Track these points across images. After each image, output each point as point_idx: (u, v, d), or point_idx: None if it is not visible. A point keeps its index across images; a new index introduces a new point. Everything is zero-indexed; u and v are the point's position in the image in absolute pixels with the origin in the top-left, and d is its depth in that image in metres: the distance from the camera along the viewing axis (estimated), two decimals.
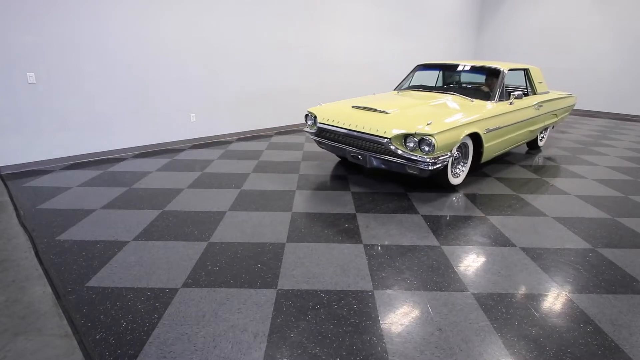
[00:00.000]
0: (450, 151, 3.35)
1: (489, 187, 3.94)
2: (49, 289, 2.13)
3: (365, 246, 2.65)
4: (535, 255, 2.61)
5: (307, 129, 4.18)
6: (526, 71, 4.84)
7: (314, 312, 1.98)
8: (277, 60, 6.16)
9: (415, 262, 2.47)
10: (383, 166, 3.54)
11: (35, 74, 4.05)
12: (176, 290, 2.14)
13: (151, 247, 2.59)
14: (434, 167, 3.19)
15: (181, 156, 4.87)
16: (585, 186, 4.04)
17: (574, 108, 9.44)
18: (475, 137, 3.71)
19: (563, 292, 2.20)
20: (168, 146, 5.30)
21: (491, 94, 4.14)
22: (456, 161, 3.79)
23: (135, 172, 4.17)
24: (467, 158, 3.86)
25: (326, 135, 3.95)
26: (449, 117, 3.43)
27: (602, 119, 8.76)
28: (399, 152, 3.27)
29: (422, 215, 3.20)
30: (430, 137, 3.11)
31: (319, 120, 3.96)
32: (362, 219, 3.08)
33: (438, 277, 2.32)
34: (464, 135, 3.40)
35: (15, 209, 3.18)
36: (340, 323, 1.90)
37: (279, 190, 3.69)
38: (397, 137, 3.28)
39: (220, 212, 3.17)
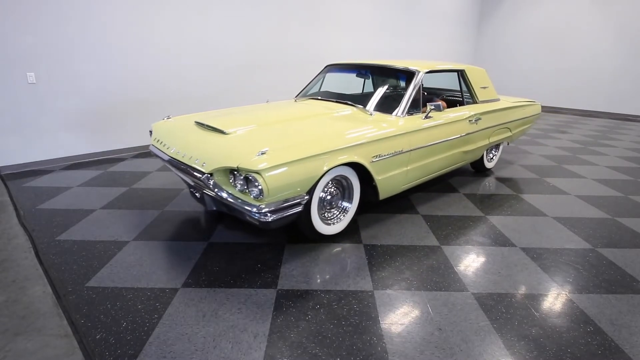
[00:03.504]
0: (311, 192, 2.40)
1: (489, 187, 3.94)
2: (49, 289, 2.13)
3: (365, 246, 2.65)
4: (535, 255, 2.61)
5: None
6: (461, 73, 3.69)
7: (314, 312, 1.98)
8: (276, 60, 6.16)
9: (415, 262, 2.47)
10: (224, 209, 2.50)
11: (35, 74, 4.05)
12: (176, 290, 2.14)
13: (151, 247, 2.59)
14: (275, 216, 2.16)
15: None
16: (585, 186, 4.04)
17: (572, 108, 9.47)
18: (361, 168, 2.65)
19: (563, 292, 2.20)
20: None
21: (400, 106, 3.04)
22: (332, 201, 2.72)
23: (135, 172, 4.17)
24: (350, 197, 2.80)
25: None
26: (309, 141, 2.38)
27: (602, 119, 8.76)
28: (222, 193, 2.24)
29: (422, 215, 3.19)
30: (256, 175, 2.08)
31: (151, 140, 3.00)
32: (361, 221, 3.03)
33: (438, 277, 2.32)
34: (329, 168, 2.36)
35: (15, 209, 3.18)
36: (340, 323, 1.90)
37: None
38: (222, 171, 2.30)
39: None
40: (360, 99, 3.35)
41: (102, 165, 4.41)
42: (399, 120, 2.93)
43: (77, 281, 2.20)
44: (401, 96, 3.11)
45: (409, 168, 3.00)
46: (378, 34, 7.75)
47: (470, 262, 2.50)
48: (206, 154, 2.37)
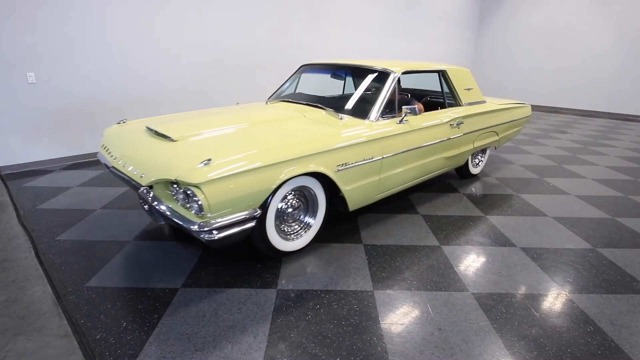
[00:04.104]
0: (265, 206, 2.15)
1: (489, 187, 3.94)
2: (49, 289, 2.13)
3: (365, 246, 2.65)
4: (535, 255, 2.61)
5: None
6: (442, 74, 3.48)
7: (314, 312, 1.98)
8: (276, 60, 6.15)
9: (415, 262, 2.47)
10: (174, 224, 2.13)
11: (35, 74, 4.05)
12: (176, 290, 2.14)
13: (151, 247, 2.59)
14: (222, 234, 1.94)
15: None
16: (585, 186, 4.04)
17: (572, 108, 9.47)
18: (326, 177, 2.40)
19: (563, 292, 2.20)
20: None
21: (372, 109, 2.82)
22: (293, 214, 2.48)
23: None
24: (314, 211, 2.55)
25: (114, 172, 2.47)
26: (263, 149, 2.14)
27: (602, 119, 8.77)
28: (161, 207, 2.04)
29: (422, 215, 3.19)
30: (195, 189, 1.86)
31: (100, 146, 2.77)
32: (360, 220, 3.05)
33: (438, 277, 2.32)
34: (286, 178, 2.13)
35: (15, 209, 3.18)
36: (340, 323, 1.90)
37: None
38: (162, 184, 2.09)
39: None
40: (336, 102, 3.15)
41: (102, 165, 4.40)
42: (371, 125, 2.71)
43: (77, 281, 2.20)
44: (376, 98, 2.90)
45: (381, 177, 2.77)
46: (378, 34, 7.74)
47: (470, 262, 2.50)
48: (146, 164, 2.15)
